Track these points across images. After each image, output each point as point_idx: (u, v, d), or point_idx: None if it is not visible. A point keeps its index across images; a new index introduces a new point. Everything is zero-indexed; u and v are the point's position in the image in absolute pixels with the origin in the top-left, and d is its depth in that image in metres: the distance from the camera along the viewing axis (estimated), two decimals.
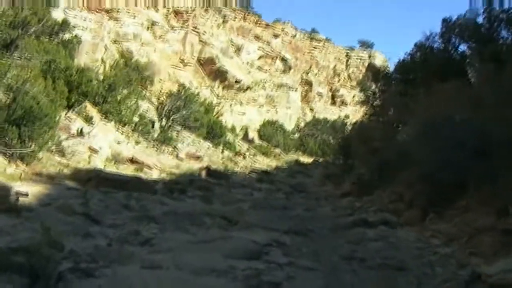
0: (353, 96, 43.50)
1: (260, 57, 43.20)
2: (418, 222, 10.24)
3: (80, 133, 18.29)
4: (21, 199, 8.41)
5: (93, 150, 18.33)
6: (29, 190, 9.38)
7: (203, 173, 20.55)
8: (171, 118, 29.80)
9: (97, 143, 19.06)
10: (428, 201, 10.35)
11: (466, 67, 13.93)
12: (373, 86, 19.75)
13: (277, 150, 36.93)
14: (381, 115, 17.03)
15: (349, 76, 46.87)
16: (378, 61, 45.03)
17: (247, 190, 17.38)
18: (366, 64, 46.12)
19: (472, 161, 9.12)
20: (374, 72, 20.52)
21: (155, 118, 29.61)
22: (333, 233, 9.70)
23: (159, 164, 21.46)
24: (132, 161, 20.04)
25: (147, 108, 31.02)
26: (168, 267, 5.86)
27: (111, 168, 17.46)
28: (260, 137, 38.75)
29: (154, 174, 19.44)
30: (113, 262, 5.84)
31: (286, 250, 7.65)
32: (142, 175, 17.67)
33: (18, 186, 9.50)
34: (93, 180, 12.05)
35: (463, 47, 14.46)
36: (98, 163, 17.52)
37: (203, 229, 8.98)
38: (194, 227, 8.98)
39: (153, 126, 28.13)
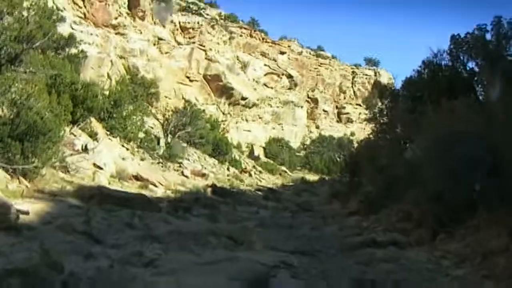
0: (359, 114, 43.41)
1: (266, 74, 43.23)
2: (427, 242, 9.97)
3: (85, 149, 18.14)
4: (21, 217, 8.20)
5: (97, 167, 18.18)
6: (30, 208, 9.17)
7: (209, 190, 20.33)
8: (177, 134, 29.68)
9: (102, 159, 18.90)
10: (437, 221, 10.09)
11: (475, 84, 13.73)
12: (380, 104, 19.57)
13: (283, 168, 36.74)
14: (389, 132, 16.80)
15: (355, 94, 46.79)
16: (384, 78, 44.88)
17: (253, 208, 17.13)
18: (372, 82, 45.98)
19: (484, 179, 8.90)
20: (380, 88, 20.24)
21: (161, 134, 29.53)
22: (341, 254, 9.43)
23: (164, 181, 21.29)
24: (137, 178, 19.89)
25: (152, 124, 31.01)
26: None
27: (116, 185, 17.29)
28: (266, 154, 38.62)
29: (159, 192, 19.24)
30: (114, 285, 5.61)
31: (294, 272, 7.40)
32: (146, 192, 17.47)
33: (19, 204, 9.29)
34: (96, 197, 11.82)
35: (471, 64, 14.28)
36: (103, 179, 17.34)
37: (208, 249, 8.74)
38: (198, 247, 8.74)
39: (158, 143, 28.05)
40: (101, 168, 18.37)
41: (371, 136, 19.42)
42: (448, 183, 9.58)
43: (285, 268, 7.58)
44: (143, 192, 17.43)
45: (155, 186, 20.11)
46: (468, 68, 14.19)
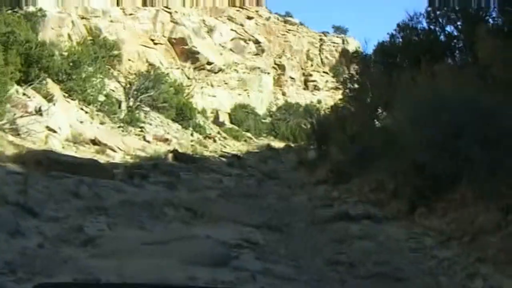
0: (326, 82, 42.46)
1: (233, 39, 41.73)
2: (405, 216, 9.00)
3: (38, 111, 16.71)
4: None
5: (51, 130, 16.78)
6: None
7: (170, 156, 19.09)
8: (139, 98, 28.26)
9: (57, 122, 17.49)
10: (414, 192, 9.12)
11: (454, 48, 12.74)
12: (349, 70, 18.55)
13: (249, 134, 35.65)
14: (360, 98, 15.74)
15: (322, 61, 45.69)
16: (352, 46, 43.74)
17: (217, 176, 15.99)
18: (340, 50, 44.94)
19: (471, 148, 7.93)
20: (351, 54, 19.18)
21: (122, 98, 28.09)
22: (312, 229, 8.38)
23: (123, 146, 20.04)
24: (95, 142, 18.59)
25: (114, 87, 29.54)
26: (108, 279, 4.42)
27: (69, 150, 15.97)
28: (231, 120, 37.40)
29: (117, 157, 17.99)
30: (38, 273, 4.43)
31: (259, 252, 6.31)
32: (103, 157, 16.20)
33: None
34: (41, 163, 10.51)
35: (450, 28, 13.24)
36: (56, 144, 15.99)
37: (162, 223, 7.61)
38: (151, 221, 7.61)
39: (119, 106, 26.65)
40: (55, 132, 16.97)
41: (340, 102, 18.33)
42: (430, 152, 8.60)
43: (249, 247, 6.48)
44: (100, 157, 16.16)
45: (114, 151, 18.85)
46: (447, 32, 13.13)
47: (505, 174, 7.41)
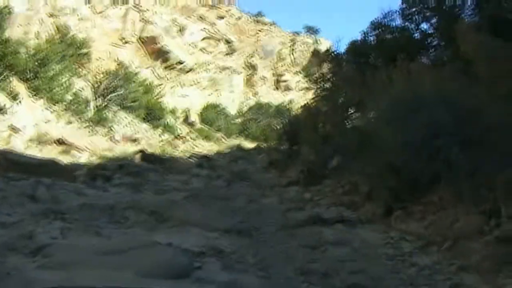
0: (298, 82, 42.00)
1: (204, 38, 41.00)
2: (381, 219, 8.56)
3: (1, 110, 15.99)
4: None
5: (14, 129, 16.05)
6: None
7: (138, 157, 18.43)
8: (108, 97, 27.48)
9: (20, 121, 16.79)
10: (390, 194, 8.68)
11: (430, 46, 12.37)
12: (323, 69, 18.08)
13: (219, 135, 34.99)
14: (333, 98, 15.28)
15: (294, 61, 45.19)
16: (324, 47, 43.28)
17: (185, 177, 15.37)
18: (311, 50, 44.51)
19: (450, 149, 7.52)
20: (323, 53, 18.74)
21: (91, 97, 27.27)
22: (283, 233, 7.85)
23: (90, 147, 19.37)
24: (60, 142, 17.88)
25: (82, 86, 28.70)
26: None
27: (33, 150, 15.27)
28: (202, 120, 36.63)
29: (83, 158, 17.35)
30: None
31: (226, 261, 5.76)
32: (68, 158, 15.56)
33: None
34: None
35: (425, 25, 12.90)
36: (19, 143, 15.33)
37: (121, 229, 7.02)
38: (110, 227, 7.03)
39: (87, 106, 25.86)
40: (18, 131, 16.25)
41: (312, 102, 17.85)
42: (407, 153, 8.17)
43: (215, 255, 5.92)
44: (65, 158, 15.50)
45: (80, 151, 18.19)
46: (422, 29, 12.77)
47: (485, 176, 7.02)
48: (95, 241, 5.97)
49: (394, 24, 13.56)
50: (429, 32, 12.54)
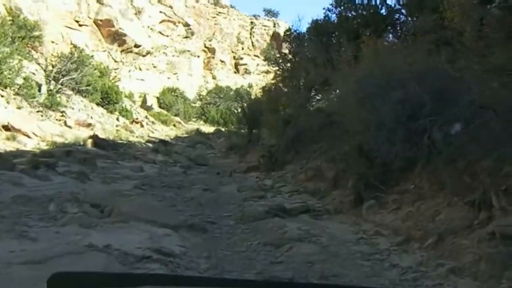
0: (257, 65, 40.97)
1: (161, 21, 39.56)
2: (351, 209, 7.58)
3: None
4: None
5: None
6: None
7: (89, 142, 17.10)
8: (61, 81, 25.91)
9: None
10: (360, 181, 7.71)
11: (396, 22, 11.44)
12: (283, 49, 17.08)
13: (177, 119, 33.77)
14: (294, 78, 14.26)
15: (253, 45, 44.09)
16: (283, 30, 42.43)
17: (138, 163, 14.17)
18: (271, 33, 43.51)
19: (426, 131, 6.58)
20: (284, 32, 17.68)
21: (43, 81, 25.69)
22: (242, 228, 6.79)
23: (39, 132, 17.96)
24: (7, 128, 16.45)
25: (34, 70, 27.11)
26: None
27: None
28: (160, 104, 35.35)
29: (30, 144, 15.97)
30: None
31: (173, 267, 4.64)
32: (14, 144, 14.24)
33: None
34: None
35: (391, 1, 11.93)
36: None
37: (54, 227, 5.85)
38: (41, 225, 5.86)
39: (39, 90, 24.31)
40: None
41: (273, 83, 16.79)
42: (378, 135, 7.20)
43: (161, 260, 4.79)
44: (10, 144, 14.14)
45: (28, 137, 16.78)
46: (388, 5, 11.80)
47: (468, 162, 6.10)
48: (15, 245, 4.79)
49: (358, 0, 12.57)
50: (396, 7, 11.57)
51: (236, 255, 5.42)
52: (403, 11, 11.14)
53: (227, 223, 7.13)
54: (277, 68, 16.23)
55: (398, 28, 11.13)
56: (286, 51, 16.56)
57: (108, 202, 7.45)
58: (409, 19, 10.65)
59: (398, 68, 7.15)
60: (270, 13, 45.41)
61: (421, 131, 6.64)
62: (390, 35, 11.23)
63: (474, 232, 5.15)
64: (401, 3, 11.18)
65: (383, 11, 11.83)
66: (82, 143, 17.05)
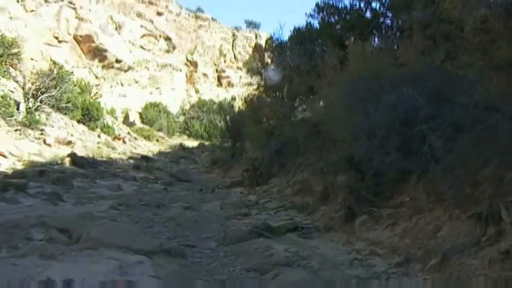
0: (240, 77, 40.39)
1: (142, 36, 38.91)
2: (341, 226, 6.93)
3: None
4: None
5: None
6: None
7: (67, 161, 16.32)
8: (40, 98, 25.17)
9: None
10: (351, 195, 7.08)
11: (382, 25, 10.87)
12: (265, 59, 16.52)
13: (161, 134, 33.06)
14: (277, 88, 13.64)
15: (235, 57, 43.54)
16: (265, 41, 41.97)
17: (118, 181, 13.41)
18: (253, 45, 42.99)
19: (423, 138, 5.97)
20: (266, 41, 17.13)
21: (22, 99, 24.96)
22: (224, 251, 6.11)
23: (16, 151, 17.21)
24: None
25: (13, 88, 26.40)
26: None
27: None
28: (142, 120, 34.59)
29: (5, 164, 15.19)
30: None
31: None
32: None
33: None
34: None
35: (375, 4, 11.39)
36: None
37: (12, 258, 5.15)
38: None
39: (18, 108, 23.56)
40: None
41: (254, 94, 16.13)
42: (369, 144, 6.58)
43: None
44: None
45: (4, 157, 16.03)
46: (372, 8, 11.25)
47: (467, 170, 5.50)
48: None
49: (341, 5, 12.02)
50: (381, 11, 11.02)
51: (217, 286, 4.74)
52: (388, 13, 10.58)
53: (208, 245, 6.45)
54: (259, 78, 15.59)
55: (387, 28, 10.55)
56: (268, 60, 15.97)
57: (78, 226, 6.73)
58: (395, 20, 10.09)
59: (389, 69, 6.54)
60: (252, 24, 44.97)
61: (417, 138, 6.03)
62: (376, 39, 10.64)
63: (483, 250, 4.53)
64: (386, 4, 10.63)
65: (367, 14, 11.27)
66: (59, 162, 16.29)
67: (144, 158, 22.06)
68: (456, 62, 5.73)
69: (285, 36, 17.38)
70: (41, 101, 25.08)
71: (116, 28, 37.44)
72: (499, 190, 5.04)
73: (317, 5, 12.67)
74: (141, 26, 39.00)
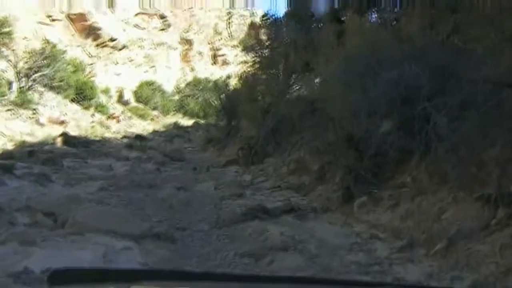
0: (235, 56, 39.82)
1: (137, 14, 38.24)
2: (339, 206, 6.60)
3: None
4: None
5: None
6: None
7: (59, 140, 15.96)
8: (32, 78, 24.73)
9: None
10: (349, 174, 6.74)
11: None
12: (260, 36, 16.10)
13: (155, 113, 32.64)
14: (273, 64, 13.22)
15: (231, 35, 42.94)
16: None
17: (110, 161, 13.06)
18: (248, 22, 42.36)
19: (425, 116, 5.62)
20: (261, 18, 16.69)
21: (14, 78, 24.52)
22: (217, 235, 5.78)
23: (7, 132, 16.87)
24: None
25: (5, 67, 25.93)
26: None
27: None
28: (137, 98, 34.10)
29: None
30: None
31: None
32: None
33: None
34: None
35: None
36: None
37: None
38: None
39: (10, 88, 23.17)
40: None
41: (249, 71, 15.68)
42: (369, 122, 6.24)
43: None
44: None
45: None
46: None
47: (472, 150, 5.15)
48: None
49: None
50: None
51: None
52: None
53: (201, 228, 6.12)
54: (254, 55, 15.15)
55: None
56: (263, 37, 15.54)
57: (64, 210, 6.38)
58: None
59: (389, 43, 6.16)
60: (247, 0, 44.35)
61: (419, 116, 5.68)
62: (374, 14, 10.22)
63: (492, 235, 4.21)
64: None
65: None
66: (51, 142, 15.94)
67: (138, 137, 21.71)
68: (463, 35, 5.36)
69: (281, 12, 16.97)
70: (33, 80, 24.65)
71: (109, 6, 36.77)
72: (506, 171, 4.71)
73: None
74: (136, 4, 38.41)
